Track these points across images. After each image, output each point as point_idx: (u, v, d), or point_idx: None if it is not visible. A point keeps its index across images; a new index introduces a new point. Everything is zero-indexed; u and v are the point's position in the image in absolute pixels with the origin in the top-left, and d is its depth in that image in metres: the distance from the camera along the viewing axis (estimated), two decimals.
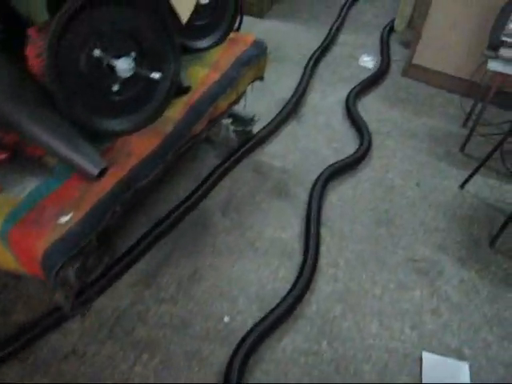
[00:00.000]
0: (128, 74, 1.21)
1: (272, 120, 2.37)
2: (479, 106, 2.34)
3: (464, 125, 2.59)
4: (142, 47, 1.25)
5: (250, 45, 1.84)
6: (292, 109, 2.50)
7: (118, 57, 1.19)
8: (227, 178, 2.10)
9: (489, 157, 2.07)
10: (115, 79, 1.22)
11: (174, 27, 1.28)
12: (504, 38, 2.10)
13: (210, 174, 2.00)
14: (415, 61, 2.88)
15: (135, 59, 1.23)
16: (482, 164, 2.11)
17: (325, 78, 2.86)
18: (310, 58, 2.93)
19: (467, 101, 2.63)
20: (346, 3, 3.65)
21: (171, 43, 1.30)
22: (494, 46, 2.13)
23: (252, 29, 3.20)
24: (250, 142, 2.21)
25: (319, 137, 2.41)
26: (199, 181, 1.99)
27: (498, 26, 2.10)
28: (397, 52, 3.19)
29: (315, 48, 3.05)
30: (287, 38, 3.22)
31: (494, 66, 2.08)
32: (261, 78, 1.99)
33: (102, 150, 1.28)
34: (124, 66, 1.18)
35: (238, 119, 2.14)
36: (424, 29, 2.71)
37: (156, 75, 1.25)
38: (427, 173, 2.26)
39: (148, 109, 1.36)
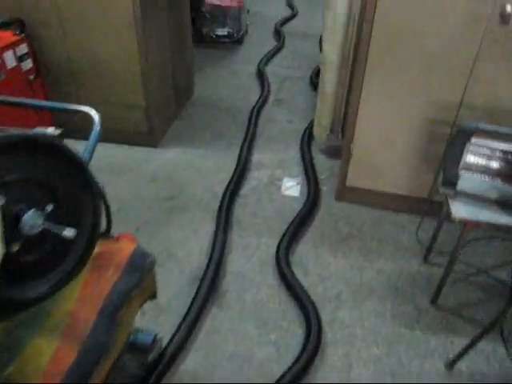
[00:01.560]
0: (34, 231, 0.97)
1: (184, 318, 1.75)
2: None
3: (425, 259, 2.14)
4: (58, 199, 1.03)
5: (125, 265, 1.23)
6: (210, 287, 1.90)
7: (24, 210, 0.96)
8: None
9: (484, 333, 1.58)
10: (17, 237, 0.94)
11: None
12: (463, 173, 1.70)
13: None
14: (349, 183, 2.45)
15: (47, 213, 1.00)
16: (474, 342, 1.61)
17: (245, 224, 2.33)
18: (223, 198, 2.40)
19: (417, 219, 2.22)
20: (253, 111, 3.24)
21: (92, 195, 1.08)
22: (451, 182, 1.72)
23: (142, 167, 2.66)
24: (155, 369, 1.56)
25: (250, 328, 1.82)
26: None
27: (452, 159, 1.69)
28: (322, 164, 2.78)
29: (226, 178, 2.55)
30: (190, 172, 2.69)
31: (457, 210, 1.64)
32: (152, 297, 1.39)
33: None
34: (30, 221, 0.96)
35: (131, 350, 1.49)
36: (354, 147, 2.29)
37: (69, 233, 1.00)
38: (401, 353, 1.74)
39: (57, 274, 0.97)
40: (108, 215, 1.26)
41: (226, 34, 4.28)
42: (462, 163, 1.67)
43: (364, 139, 2.26)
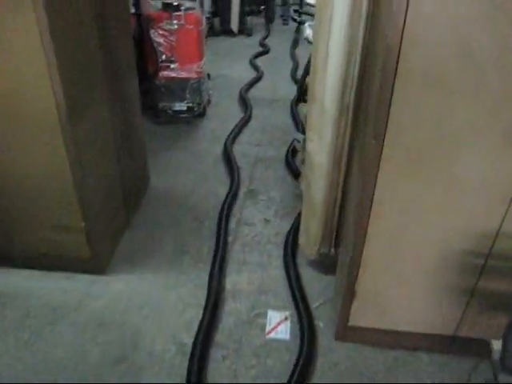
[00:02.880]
0: None
1: None
2: None
3: None
4: None
5: None
6: None
7: None
8: None
9: None
10: None
11: None
12: None
13: None
14: (353, 322, 1.96)
15: None
16: None
17: None
18: (192, 355, 1.86)
19: (439, 359, 1.82)
20: (222, 213, 2.74)
21: None
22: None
23: (84, 307, 2.13)
24: None
25: None
26: None
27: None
28: (313, 284, 2.31)
29: (194, 319, 2.04)
30: (147, 313, 2.14)
31: None
32: None
33: None
34: None
35: None
36: (359, 284, 1.80)
37: None
38: None
39: None
40: None
41: (185, 109, 3.82)
42: None
43: (372, 272, 1.78)
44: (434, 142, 1.38)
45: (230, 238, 2.62)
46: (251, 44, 6.81)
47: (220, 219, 2.70)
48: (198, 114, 3.96)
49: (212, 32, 7.07)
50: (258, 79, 5.15)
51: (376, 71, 1.44)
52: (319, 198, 2.06)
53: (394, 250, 1.67)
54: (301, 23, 2.80)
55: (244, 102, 4.41)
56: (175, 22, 3.57)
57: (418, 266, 1.71)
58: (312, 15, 2.90)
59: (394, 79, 1.24)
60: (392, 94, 1.28)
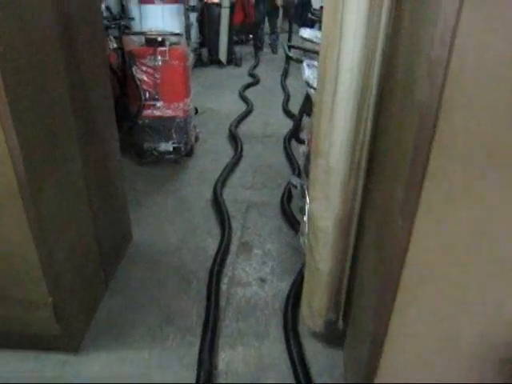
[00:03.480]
0: None
1: None
2: None
3: None
4: None
5: None
6: None
7: None
8: None
9: None
10: None
11: None
12: None
13: None
14: None
15: None
16: None
17: None
18: None
19: None
20: (212, 274, 2.46)
21: None
22: None
23: None
24: None
25: None
26: None
27: None
28: (319, 358, 2.02)
29: None
30: None
31: None
32: None
33: None
34: None
35: None
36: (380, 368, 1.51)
37: None
38: None
39: None
40: None
41: (171, 149, 3.57)
42: None
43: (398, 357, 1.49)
44: (477, 230, 1.12)
45: (221, 303, 2.33)
46: (240, 74, 6.65)
47: (210, 280, 2.42)
48: (185, 153, 3.71)
49: (200, 62, 6.91)
50: (248, 113, 4.94)
51: (397, 131, 1.20)
52: (324, 269, 1.79)
53: (425, 339, 1.39)
54: (297, 61, 2.56)
55: (234, 139, 4.17)
56: (159, 57, 3.35)
57: (453, 356, 1.43)
58: (307, 51, 2.67)
59: (430, 148, 0.99)
60: (426, 170, 1.02)
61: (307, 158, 2.34)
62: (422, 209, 1.11)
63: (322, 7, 5.70)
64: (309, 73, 2.05)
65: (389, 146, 1.36)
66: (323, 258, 1.78)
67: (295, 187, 2.90)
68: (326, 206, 1.69)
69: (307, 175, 2.42)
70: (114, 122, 2.45)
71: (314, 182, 1.69)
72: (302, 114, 2.88)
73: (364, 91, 1.46)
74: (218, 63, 7.03)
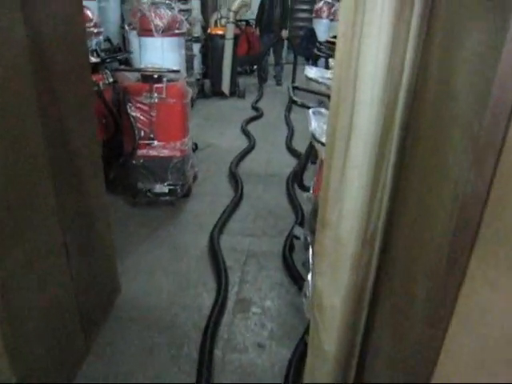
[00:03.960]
0: None
1: None
2: None
3: None
4: None
5: None
6: None
7: None
8: None
9: None
10: None
11: None
12: None
13: None
14: None
15: None
16: None
17: None
18: None
19: None
20: (205, 338, 2.22)
21: None
22: None
23: None
24: None
25: None
26: None
27: None
28: None
29: None
30: None
31: None
32: None
33: None
34: None
35: None
36: None
37: None
38: None
39: None
40: None
41: (166, 191, 3.36)
42: None
43: None
44: None
45: (215, 373, 2.08)
46: (243, 107, 6.51)
47: (203, 345, 2.18)
48: (181, 195, 3.51)
49: (202, 94, 6.79)
50: (249, 149, 4.75)
51: (423, 212, 0.99)
52: (330, 350, 1.56)
53: None
54: (302, 106, 2.37)
55: (234, 179, 3.98)
56: (156, 94, 3.18)
57: None
58: (314, 93, 2.48)
59: (470, 256, 0.78)
60: (465, 272, 0.81)
61: (312, 214, 2.12)
62: (458, 313, 0.89)
63: (329, 41, 5.57)
64: (315, 125, 1.85)
65: (411, 222, 1.15)
66: (330, 338, 1.55)
67: (298, 238, 2.68)
68: (333, 281, 1.47)
69: (312, 231, 2.21)
70: (100, 171, 2.26)
71: (320, 254, 1.48)
72: (306, 161, 2.68)
73: (382, 152, 1.25)
74: (221, 95, 6.90)
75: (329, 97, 2.75)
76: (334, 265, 1.45)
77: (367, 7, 1.11)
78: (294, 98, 2.39)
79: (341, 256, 1.40)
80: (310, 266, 2.25)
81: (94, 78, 3.23)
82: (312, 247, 2.35)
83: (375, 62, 1.15)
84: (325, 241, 1.44)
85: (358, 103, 1.22)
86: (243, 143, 4.97)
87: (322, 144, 1.74)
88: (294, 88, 2.56)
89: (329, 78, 2.63)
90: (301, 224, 3.12)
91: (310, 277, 2.19)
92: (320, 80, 2.64)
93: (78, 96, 1.98)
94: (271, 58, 8.05)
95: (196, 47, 6.79)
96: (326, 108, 2.59)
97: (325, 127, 1.84)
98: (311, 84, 2.64)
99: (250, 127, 5.53)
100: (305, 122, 3.76)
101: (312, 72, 2.68)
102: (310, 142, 2.48)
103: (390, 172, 1.27)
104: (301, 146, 4.81)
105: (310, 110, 2.01)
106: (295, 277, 2.68)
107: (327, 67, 5.24)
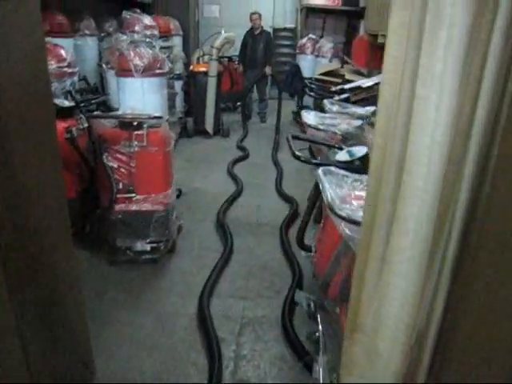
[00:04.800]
0: None
1: None
2: None
3: None
4: None
5: None
6: None
7: None
8: None
9: None
10: None
11: None
12: None
13: None
14: None
15: None
16: None
17: None
18: None
19: None
20: None
21: None
22: None
23: None
24: None
25: None
26: None
27: None
28: None
29: None
30: None
31: None
32: None
33: None
34: None
35: None
36: None
37: None
38: None
39: None
40: None
41: (148, 249, 3.03)
42: None
43: None
44: None
45: None
46: (228, 146, 6.26)
47: None
48: (165, 252, 3.17)
49: (185, 133, 6.53)
50: (237, 194, 4.46)
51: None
52: None
53: None
54: (308, 163, 2.09)
55: (222, 229, 3.66)
56: (135, 143, 2.89)
57: None
58: (316, 143, 2.21)
59: None
60: None
61: (322, 289, 1.81)
62: None
63: (318, 79, 5.39)
64: (331, 194, 1.52)
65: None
66: None
67: (300, 305, 2.36)
68: None
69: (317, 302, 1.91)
70: (69, 237, 1.93)
71: (348, 364, 1.16)
72: (307, 220, 2.38)
73: (438, 239, 0.96)
74: (205, 134, 6.64)
75: (331, 146, 2.51)
76: (369, 376, 1.13)
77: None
78: (297, 153, 2.09)
79: (378, 369, 1.09)
80: (321, 344, 1.94)
81: (67, 123, 2.94)
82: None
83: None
84: (355, 348, 1.13)
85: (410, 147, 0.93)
86: (230, 187, 4.68)
87: (349, 221, 1.41)
88: (294, 137, 2.26)
89: (331, 125, 2.37)
90: (299, 285, 2.81)
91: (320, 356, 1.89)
92: (320, 127, 2.37)
93: (38, 149, 1.65)
94: (255, 95, 7.87)
95: (178, 85, 6.56)
96: (329, 159, 2.32)
97: (338, 191, 1.55)
98: (312, 131, 2.37)
99: (237, 169, 5.25)
100: (294, 162, 3.50)
101: (310, 118, 2.42)
102: (313, 191, 2.19)
103: (447, 264, 0.98)
104: (291, 189, 4.55)
105: (320, 171, 1.71)
106: (298, 350, 2.35)
107: (316, 108, 5.03)
